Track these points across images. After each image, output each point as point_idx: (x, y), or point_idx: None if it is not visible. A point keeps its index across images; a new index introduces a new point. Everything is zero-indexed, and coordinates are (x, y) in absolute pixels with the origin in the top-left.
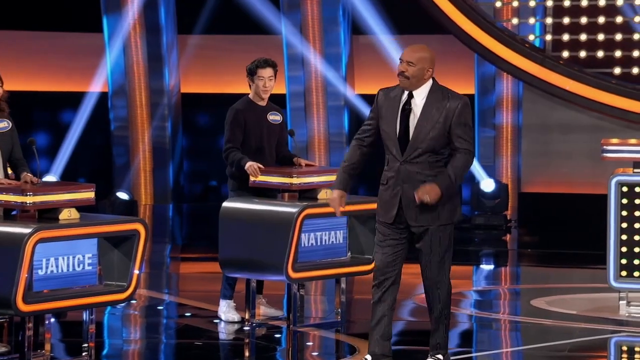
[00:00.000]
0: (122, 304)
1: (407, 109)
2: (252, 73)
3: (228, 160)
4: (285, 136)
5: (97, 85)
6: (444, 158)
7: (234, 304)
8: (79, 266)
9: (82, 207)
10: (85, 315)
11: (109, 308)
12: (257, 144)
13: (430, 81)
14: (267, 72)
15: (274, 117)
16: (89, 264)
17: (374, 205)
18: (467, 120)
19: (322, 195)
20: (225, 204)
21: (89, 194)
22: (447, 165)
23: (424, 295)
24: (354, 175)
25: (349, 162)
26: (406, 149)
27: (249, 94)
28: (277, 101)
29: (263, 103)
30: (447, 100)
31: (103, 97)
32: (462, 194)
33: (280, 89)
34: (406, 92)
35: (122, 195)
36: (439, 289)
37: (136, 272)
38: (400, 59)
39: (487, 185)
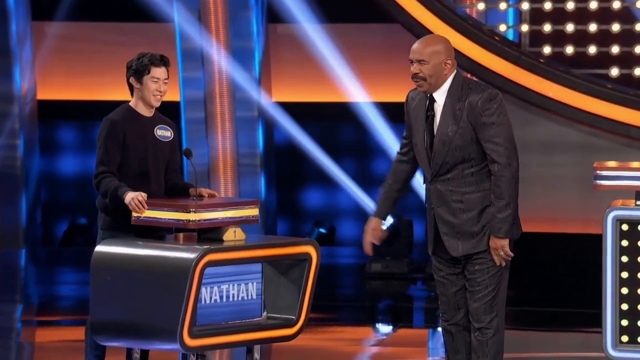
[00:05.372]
0: None
1: (429, 116)
2: (140, 72)
3: (100, 188)
4: (178, 158)
5: None
6: (483, 168)
7: None
8: None
9: None
10: None
11: None
12: (141, 167)
13: (452, 75)
14: (161, 72)
15: (163, 133)
16: None
17: (297, 249)
18: (495, 118)
19: (229, 235)
20: (99, 248)
21: None
22: (491, 198)
23: None
24: (399, 197)
25: (389, 181)
26: (431, 164)
27: (129, 101)
28: (168, 110)
29: (149, 113)
30: (466, 95)
31: None
32: (517, 208)
33: (172, 95)
34: (429, 96)
35: None
36: (486, 335)
37: None
38: (409, 59)
39: None
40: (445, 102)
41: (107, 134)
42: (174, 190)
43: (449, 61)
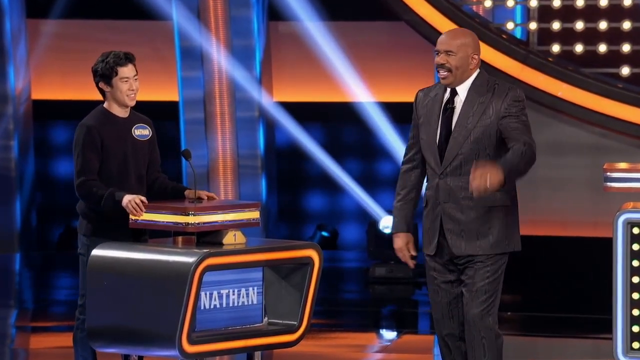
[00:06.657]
0: None
1: (449, 109)
2: (108, 76)
3: (90, 196)
4: (158, 155)
5: None
6: None
7: None
8: None
9: None
10: None
11: None
12: (121, 169)
13: (477, 72)
14: (129, 70)
15: (142, 132)
16: None
17: (298, 253)
18: (519, 113)
19: (229, 239)
20: (96, 252)
21: None
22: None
23: None
24: (415, 206)
25: (402, 191)
26: (444, 157)
27: (103, 102)
28: (167, 110)
29: (125, 114)
30: (491, 92)
31: None
32: (518, 217)
33: (171, 94)
34: (449, 90)
35: None
36: (484, 338)
37: None
38: (436, 50)
39: None
40: (467, 95)
41: (84, 140)
42: (165, 192)
43: (476, 56)
